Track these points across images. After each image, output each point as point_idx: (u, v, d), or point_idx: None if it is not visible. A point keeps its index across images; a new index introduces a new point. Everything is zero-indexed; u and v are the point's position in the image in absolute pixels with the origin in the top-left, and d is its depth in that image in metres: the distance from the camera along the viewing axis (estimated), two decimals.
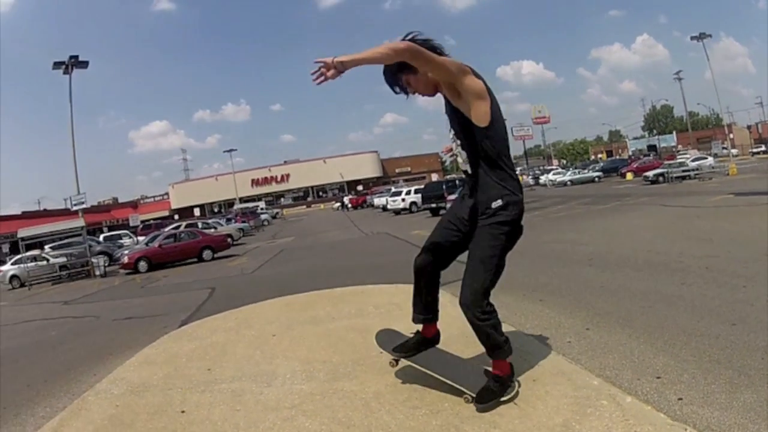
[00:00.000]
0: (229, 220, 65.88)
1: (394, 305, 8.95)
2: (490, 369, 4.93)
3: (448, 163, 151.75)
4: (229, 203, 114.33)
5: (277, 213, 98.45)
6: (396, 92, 4.94)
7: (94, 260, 37.12)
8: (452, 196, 37.68)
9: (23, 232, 39.92)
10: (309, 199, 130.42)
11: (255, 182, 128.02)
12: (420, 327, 5.44)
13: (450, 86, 4.64)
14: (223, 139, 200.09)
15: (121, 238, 57.63)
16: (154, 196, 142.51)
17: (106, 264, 37.25)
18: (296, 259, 25.91)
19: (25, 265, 38.81)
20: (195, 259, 34.02)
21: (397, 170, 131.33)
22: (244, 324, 9.21)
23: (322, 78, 4.32)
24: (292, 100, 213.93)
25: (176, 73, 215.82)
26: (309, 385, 5.77)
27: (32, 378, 9.97)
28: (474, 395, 4.77)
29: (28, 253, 40.40)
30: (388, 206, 57.75)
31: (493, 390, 4.75)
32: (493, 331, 4.79)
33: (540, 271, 12.61)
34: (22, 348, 13.75)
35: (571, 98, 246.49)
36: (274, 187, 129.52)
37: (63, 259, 39.63)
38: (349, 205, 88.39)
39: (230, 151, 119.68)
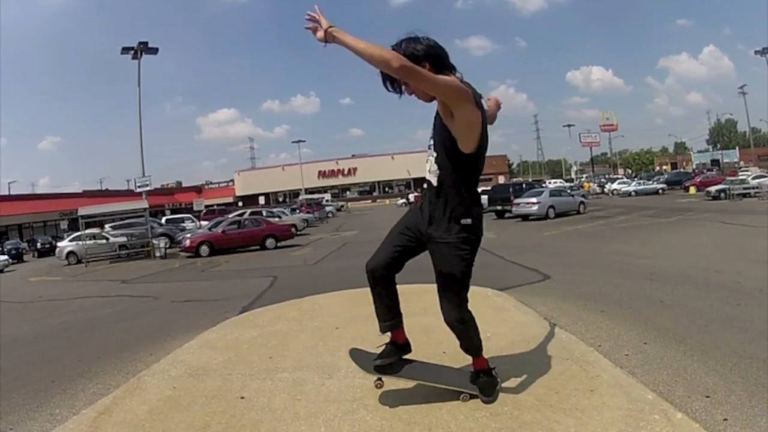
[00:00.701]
0: (293, 210, 66.18)
1: None
2: (473, 368, 5.15)
3: (515, 165, 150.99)
4: (295, 193, 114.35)
5: (342, 206, 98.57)
6: (387, 89, 4.76)
7: (155, 242, 37.76)
8: (518, 199, 37.55)
9: (84, 211, 40.79)
10: (375, 193, 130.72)
11: (322, 174, 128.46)
12: (388, 337, 5.40)
13: (445, 106, 4.52)
14: (291, 130, 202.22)
15: (183, 222, 58.24)
16: (218, 182, 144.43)
17: (167, 246, 37.77)
18: (359, 253, 25.09)
19: (84, 242, 39.66)
20: (257, 247, 34.27)
21: None
22: (306, 315, 9.20)
23: (312, 27, 4.37)
24: (361, 94, 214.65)
25: (246, 63, 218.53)
26: (371, 380, 5.65)
27: (85, 354, 10.09)
28: (473, 393, 4.99)
29: (88, 231, 41.37)
30: None
31: (489, 381, 5.03)
32: (474, 335, 5.05)
33: (602, 281, 12.68)
34: (77, 323, 13.91)
35: (639, 107, 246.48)
36: (340, 180, 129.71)
37: (123, 239, 40.64)
38: (414, 202, 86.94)
39: (299, 141, 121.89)
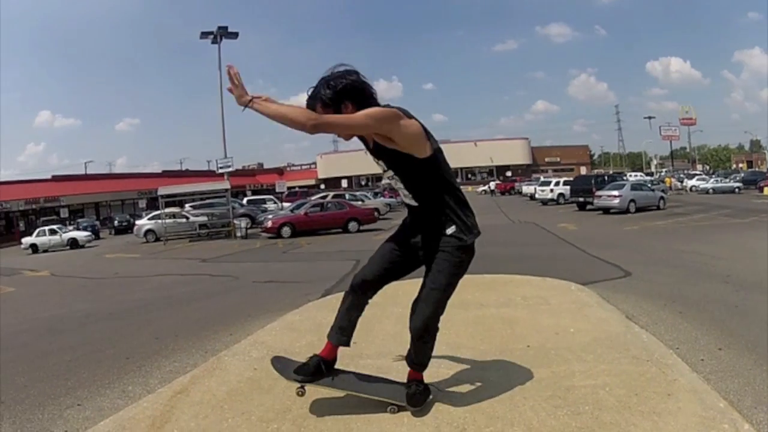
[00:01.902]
0: (376, 194, 66.21)
1: (541, 298, 8.84)
2: (407, 378, 5.08)
3: (596, 156, 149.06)
4: (377, 177, 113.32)
5: None
6: None
7: (236, 222, 38.33)
8: (600, 192, 37.07)
9: (164, 190, 41.98)
10: (457, 180, 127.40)
11: None
12: (320, 350, 5.28)
13: (378, 135, 4.51)
14: None
15: (265, 203, 58.80)
16: (300, 165, 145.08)
17: (248, 226, 38.39)
18: None
19: (163, 221, 40.58)
20: (339, 230, 34.54)
21: (546, 159, 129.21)
22: (390, 300, 8.76)
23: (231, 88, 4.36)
24: (444, 80, 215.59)
25: (327, 46, 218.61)
26: (455, 371, 5.69)
27: (161, 331, 10.17)
28: (401, 404, 4.88)
29: (167, 210, 42.27)
30: (536, 195, 57.51)
31: (421, 392, 4.91)
32: (430, 351, 5.00)
33: (681, 281, 12.57)
34: (154, 300, 14.05)
35: (716, 101, 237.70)
36: None
37: (203, 219, 41.21)
38: (496, 191, 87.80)
39: None
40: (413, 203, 4.82)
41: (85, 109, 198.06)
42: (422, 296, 4.86)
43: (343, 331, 5.15)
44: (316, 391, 5.15)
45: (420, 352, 4.96)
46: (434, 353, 5.17)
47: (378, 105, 4.55)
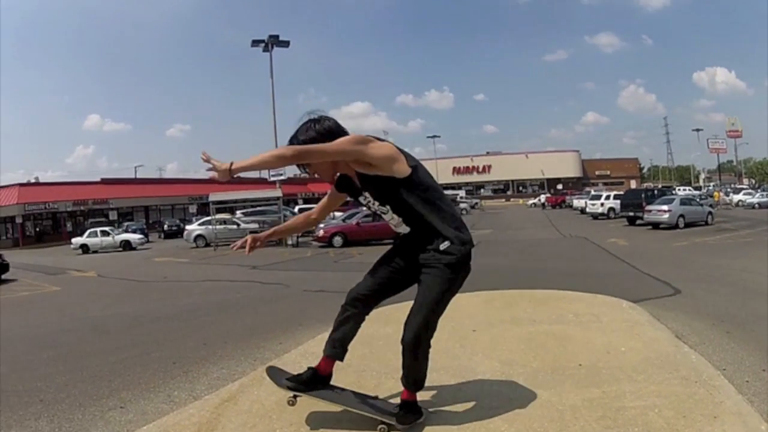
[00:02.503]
0: None
1: (593, 316, 8.68)
2: (399, 399, 5.05)
3: (645, 169, 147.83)
4: None
5: (476, 203, 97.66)
6: (301, 171, 5.08)
7: None
8: (650, 206, 36.69)
9: (215, 196, 42.27)
10: (509, 192, 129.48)
11: (456, 170, 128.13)
12: (316, 363, 5.32)
13: (356, 162, 4.62)
14: (426, 125, 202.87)
15: None
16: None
17: (300, 235, 37.72)
18: (494, 253, 25.65)
19: (213, 226, 40.86)
20: (390, 240, 33.50)
21: (596, 172, 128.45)
22: (443, 314, 8.89)
23: (211, 175, 4.49)
24: (495, 90, 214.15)
25: (380, 56, 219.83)
26: (508, 388, 5.55)
27: (210, 337, 10.16)
28: (391, 423, 4.84)
29: (218, 216, 42.66)
30: (587, 209, 57.03)
31: (411, 414, 4.89)
32: (423, 365, 4.93)
33: (729, 300, 12.34)
34: (203, 306, 14.08)
35: (761, 112, 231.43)
36: (475, 177, 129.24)
37: (254, 225, 40.96)
38: (547, 204, 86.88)
39: (434, 137, 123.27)
40: (404, 229, 4.88)
41: (135, 115, 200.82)
42: (413, 311, 4.85)
43: (335, 343, 5.16)
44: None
45: (412, 370, 4.91)
46: (488, 369, 5.35)
47: None
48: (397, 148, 4.70)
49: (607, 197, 54.12)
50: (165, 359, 8.80)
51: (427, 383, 5.22)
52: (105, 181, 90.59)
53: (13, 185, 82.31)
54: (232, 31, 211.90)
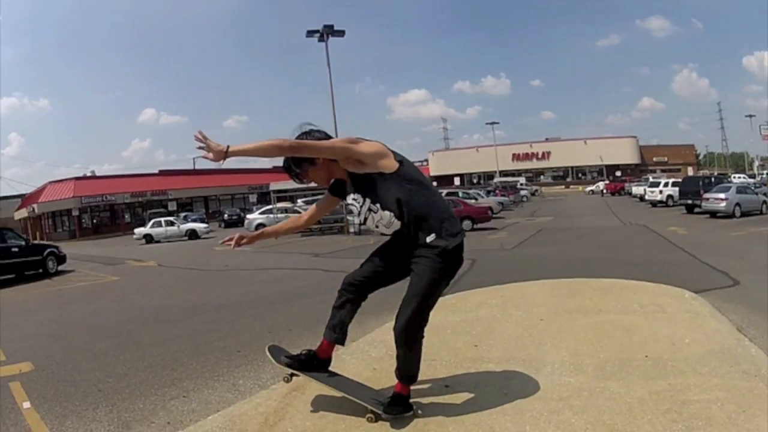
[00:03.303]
0: (489, 193, 65.11)
1: (657, 306, 8.59)
2: (393, 390, 5.14)
3: (701, 156, 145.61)
4: (489, 175, 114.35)
5: (536, 190, 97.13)
6: (293, 179, 5.27)
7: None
8: (707, 194, 36.08)
9: (275, 185, 42.85)
10: (568, 179, 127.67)
11: (516, 157, 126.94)
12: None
13: (348, 160, 4.83)
14: (483, 111, 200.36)
15: None
16: (412, 162, 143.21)
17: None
18: (555, 240, 25.68)
19: (275, 215, 41.08)
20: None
21: (654, 159, 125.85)
22: (510, 302, 9.07)
23: (204, 154, 4.57)
24: (551, 76, 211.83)
25: (435, 43, 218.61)
26: (577, 379, 5.56)
27: (274, 325, 10.19)
28: (379, 413, 4.95)
29: (279, 205, 43.11)
30: (646, 196, 55.92)
31: (398, 404, 4.99)
32: (417, 359, 5.08)
33: None
34: (266, 294, 14.11)
35: None
36: (534, 164, 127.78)
37: None
38: (606, 191, 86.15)
39: (492, 123, 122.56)
40: (396, 227, 4.98)
41: (191, 107, 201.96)
42: (404, 302, 4.99)
43: (335, 328, 5.35)
44: (444, 395, 5.32)
45: (404, 361, 5.04)
46: (556, 360, 5.43)
47: None
48: (384, 146, 4.91)
49: (666, 184, 53.17)
50: (229, 348, 8.83)
51: (499, 374, 5.43)
52: (163, 173, 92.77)
53: (68, 179, 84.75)
54: (286, 22, 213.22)
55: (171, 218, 55.53)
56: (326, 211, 5.81)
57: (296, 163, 4.94)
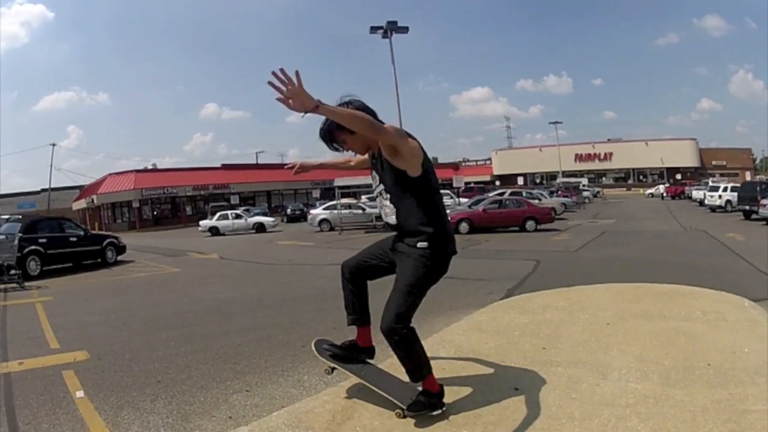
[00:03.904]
0: (551, 193, 64.42)
1: (718, 314, 8.45)
2: (421, 386, 5.17)
3: (759, 160, 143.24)
4: (551, 176, 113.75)
5: (598, 192, 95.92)
6: (330, 147, 5.41)
7: None
8: (764, 200, 35.44)
9: (340, 181, 42.97)
10: (629, 181, 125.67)
11: (578, 157, 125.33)
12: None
13: (389, 147, 4.97)
14: (546, 110, 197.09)
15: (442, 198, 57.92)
16: (476, 160, 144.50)
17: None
18: (617, 243, 25.43)
19: (339, 211, 41.48)
20: (516, 228, 34.13)
21: (713, 162, 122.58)
22: (576, 306, 9.04)
23: (280, 97, 4.35)
24: (612, 75, 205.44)
25: (498, 40, 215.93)
26: (643, 386, 5.48)
27: (340, 321, 9.89)
28: (405, 408, 5.01)
29: (343, 201, 43.30)
30: (705, 201, 54.73)
31: (423, 402, 5.05)
32: (409, 353, 5.13)
33: None
34: (331, 289, 14.06)
35: None
36: (596, 165, 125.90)
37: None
38: (666, 194, 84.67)
39: (555, 123, 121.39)
40: (393, 221, 5.24)
41: (253, 103, 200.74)
42: (388, 300, 5.12)
43: (348, 311, 5.81)
44: (513, 398, 5.24)
45: (402, 359, 5.14)
46: (623, 365, 5.48)
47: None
48: (421, 147, 5.10)
49: (725, 189, 52.32)
50: (293, 342, 8.84)
51: (567, 379, 5.42)
52: (226, 167, 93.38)
53: (129, 171, 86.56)
54: (349, 18, 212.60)
55: (238, 211, 55.99)
56: (362, 167, 5.99)
57: (339, 130, 5.04)
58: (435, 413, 4.98)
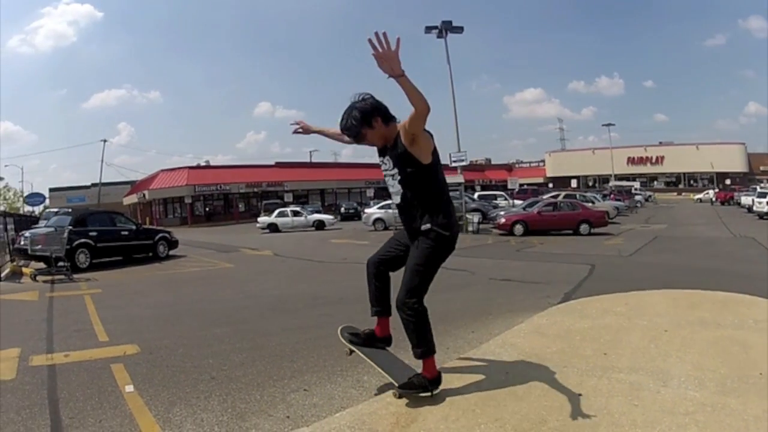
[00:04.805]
0: (605, 197, 63.66)
1: None
2: (421, 370, 5.74)
3: None
4: (604, 179, 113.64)
5: (649, 196, 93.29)
6: (352, 139, 5.95)
7: (468, 216, 38.42)
8: None
9: None
10: (680, 186, 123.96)
11: (630, 160, 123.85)
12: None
13: (411, 136, 5.44)
14: (598, 112, 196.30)
15: (495, 199, 58.81)
16: (529, 162, 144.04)
17: (480, 222, 38.47)
18: (670, 249, 25.31)
19: (393, 210, 40.55)
20: (570, 232, 34.11)
21: (761, 167, 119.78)
22: (633, 311, 9.04)
23: (375, 53, 4.86)
24: (662, 77, 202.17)
25: (547, 41, 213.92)
26: (700, 394, 5.50)
27: (398, 322, 9.77)
28: (398, 386, 5.65)
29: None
30: (754, 207, 53.81)
31: (415, 383, 5.62)
32: (417, 329, 5.68)
33: None
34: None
35: None
36: (648, 168, 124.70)
37: None
38: (715, 199, 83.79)
39: (608, 125, 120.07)
40: (397, 200, 5.84)
41: (307, 102, 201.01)
42: (402, 278, 5.76)
43: (372, 304, 6.35)
44: (577, 404, 5.26)
45: (408, 331, 5.73)
46: (682, 373, 5.63)
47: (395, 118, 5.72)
48: (433, 142, 5.66)
49: None
50: None
51: (629, 386, 5.52)
52: (279, 165, 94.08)
53: (182, 168, 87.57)
54: (401, 18, 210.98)
55: (297, 208, 56.55)
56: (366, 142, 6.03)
57: (367, 125, 5.53)
58: (423, 395, 5.46)
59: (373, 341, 6.36)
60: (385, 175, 5.89)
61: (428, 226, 5.55)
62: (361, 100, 5.62)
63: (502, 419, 4.90)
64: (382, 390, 6.21)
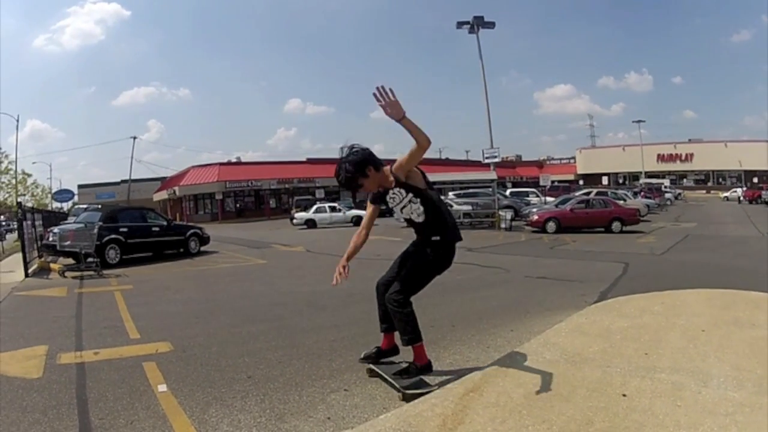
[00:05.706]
0: (635, 194, 63.34)
1: None
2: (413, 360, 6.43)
3: None
4: (634, 176, 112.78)
5: (679, 194, 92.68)
6: (349, 190, 6.87)
7: (501, 213, 38.35)
8: None
9: (426, 178, 42.38)
10: (709, 183, 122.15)
11: (660, 158, 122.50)
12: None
13: (405, 171, 6.18)
14: (628, 108, 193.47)
15: (528, 195, 58.45)
16: (560, 159, 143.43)
17: (512, 218, 38.34)
18: (701, 247, 25.15)
19: None
20: (602, 229, 33.97)
21: None
22: (671, 311, 9.01)
23: (382, 104, 5.61)
24: (691, 73, 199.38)
25: (578, 37, 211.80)
26: (740, 394, 5.45)
27: (437, 319, 10.09)
28: (402, 388, 6.10)
29: None
30: None
31: (410, 371, 6.33)
32: (405, 320, 6.23)
33: None
34: (426, 287, 14.12)
35: None
36: (678, 166, 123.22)
37: (467, 208, 41.41)
38: (743, 198, 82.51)
39: (639, 122, 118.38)
40: (420, 219, 6.39)
41: (337, 98, 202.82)
42: (398, 276, 6.46)
43: (381, 320, 6.76)
44: (622, 405, 5.25)
45: (396, 322, 6.34)
46: (721, 373, 5.74)
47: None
48: (421, 172, 6.38)
49: None
50: None
51: (671, 386, 5.58)
52: (311, 161, 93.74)
53: (213, 164, 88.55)
54: (431, 13, 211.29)
55: (334, 204, 56.46)
56: (376, 217, 6.77)
57: (362, 175, 6.15)
58: (425, 390, 5.94)
59: (381, 354, 6.87)
60: (400, 208, 6.44)
61: (438, 238, 6.34)
62: (351, 153, 6.22)
63: (549, 420, 4.91)
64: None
